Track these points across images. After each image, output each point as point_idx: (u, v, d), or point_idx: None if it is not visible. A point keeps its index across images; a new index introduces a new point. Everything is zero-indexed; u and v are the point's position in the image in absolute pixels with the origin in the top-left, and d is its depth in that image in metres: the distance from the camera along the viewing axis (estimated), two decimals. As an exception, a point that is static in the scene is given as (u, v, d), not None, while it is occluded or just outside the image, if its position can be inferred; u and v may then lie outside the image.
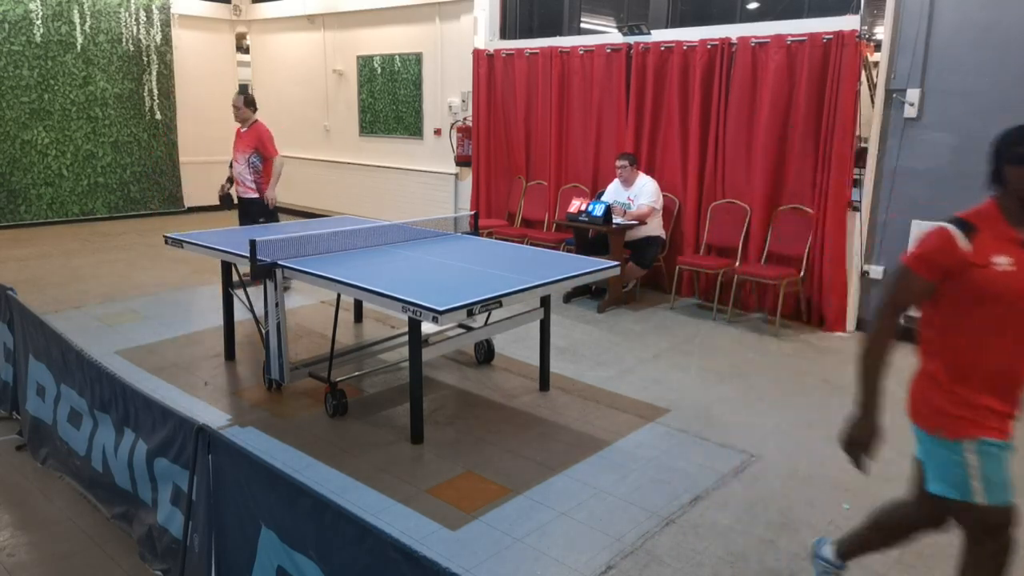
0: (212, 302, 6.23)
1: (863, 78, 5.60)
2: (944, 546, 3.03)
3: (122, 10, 9.82)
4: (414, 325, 3.68)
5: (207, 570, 2.37)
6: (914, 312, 2.23)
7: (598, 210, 6.19)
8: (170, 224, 9.64)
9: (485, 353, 5.01)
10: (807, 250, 5.92)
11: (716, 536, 3.06)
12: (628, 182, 6.43)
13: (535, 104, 7.65)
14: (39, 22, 9.21)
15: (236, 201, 6.86)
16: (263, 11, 10.89)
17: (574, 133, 7.39)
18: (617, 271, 4.37)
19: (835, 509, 3.28)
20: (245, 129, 6.79)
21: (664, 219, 6.56)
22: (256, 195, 6.75)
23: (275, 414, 4.21)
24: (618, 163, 6.44)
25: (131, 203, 10.39)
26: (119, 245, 8.67)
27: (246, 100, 6.82)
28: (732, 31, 6.18)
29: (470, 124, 8.43)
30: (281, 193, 11.26)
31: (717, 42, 6.19)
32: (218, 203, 7.04)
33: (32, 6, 9.12)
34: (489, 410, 4.29)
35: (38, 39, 9.24)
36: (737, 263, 6.19)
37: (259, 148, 6.73)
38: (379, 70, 9.57)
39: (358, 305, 5.95)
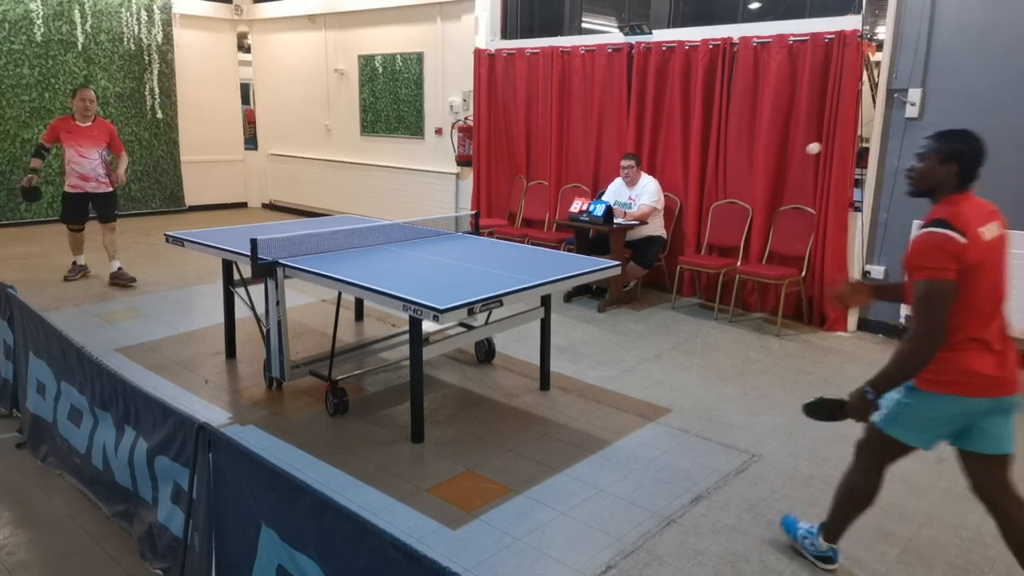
0: (213, 300, 6.23)
1: (864, 78, 5.60)
2: (944, 545, 3.03)
3: (123, 9, 9.83)
4: (415, 324, 3.68)
5: (207, 569, 2.36)
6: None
7: (599, 210, 6.19)
8: (171, 223, 9.65)
9: (486, 352, 5.01)
10: (808, 250, 5.92)
11: (717, 536, 3.06)
12: (632, 182, 6.43)
13: (536, 104, 7.65)
14: (39, 21, 9.21)
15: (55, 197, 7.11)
16: (264, 11, 10.89)
17: (575, 133, 7.39)
18: (618, 271, 4.37)
19: (836, 509, 3.28)
20: (89, 123, 6.61)
21: (665, 219, 6.56)
22: (111, 188, 6.79)
23: (276, 412, 4.20)
24: (624, 163, 6.44)
25: (132, 202, 10.38)
26: (120, 244, 8.63)
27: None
28: (734, 31, 6.18)
29: (471, 124, 8.42)
30: (283, 192, 11.36)
31: (719, 42, 6.19)
32: (26, 196, 6.78)
33: (32, 6, 9.12)
34: (489, 409, 4.29)
35: (39, 38, 9.24)
36: (738, 263, 6.19)
37: (111, 143, 6.73)
38: (380, 70, 9.58)
39: (359, 304, 5.95)
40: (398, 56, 9.33)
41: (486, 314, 4.04)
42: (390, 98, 9.56)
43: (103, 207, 6.81)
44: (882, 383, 2.39)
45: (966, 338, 2.32)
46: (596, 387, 4.62)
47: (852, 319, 5.81)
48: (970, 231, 2.26)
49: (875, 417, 2.50)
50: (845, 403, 2.52)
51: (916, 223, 5.33)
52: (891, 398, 2.47)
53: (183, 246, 4.94)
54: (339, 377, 4.22)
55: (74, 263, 7.03)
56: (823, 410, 2.60)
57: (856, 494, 2.69)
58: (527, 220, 7.89)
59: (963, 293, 2.27)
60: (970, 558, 2.95)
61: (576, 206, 6.41)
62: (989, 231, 2.33)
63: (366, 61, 9.73)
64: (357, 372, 4.68)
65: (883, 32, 5.46)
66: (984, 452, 2.44)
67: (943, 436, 2.48)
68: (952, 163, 2.33)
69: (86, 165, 6.59)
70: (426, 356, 3.90)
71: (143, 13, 9.98)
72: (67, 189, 6.68)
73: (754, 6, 6.61)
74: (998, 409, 2.38)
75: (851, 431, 4.02)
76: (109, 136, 6.72)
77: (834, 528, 2.78)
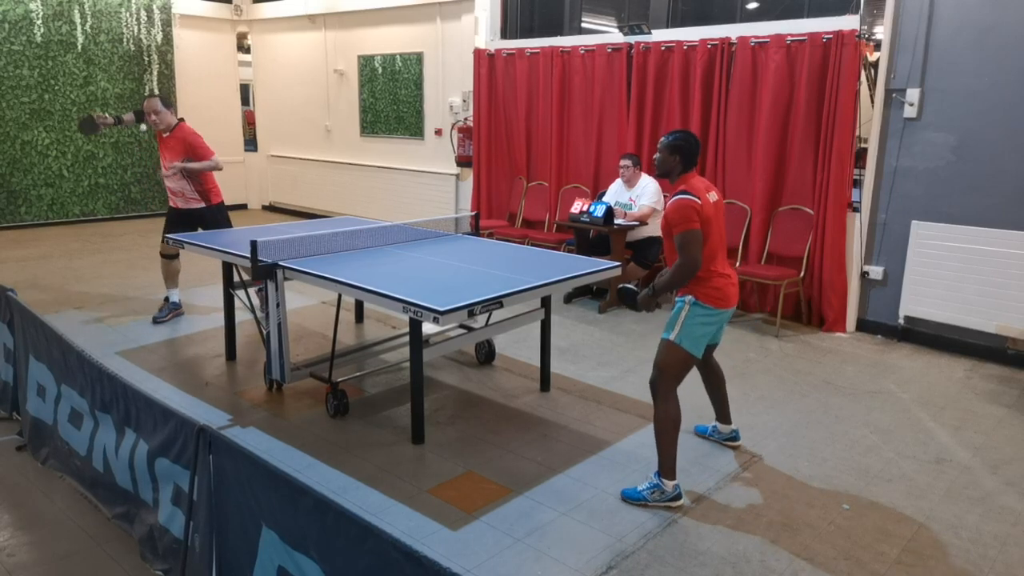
0: (213, 302, 6.23)
1: (863, 78, 5.60)
2: (944, 546, 3.03)
3: (123, 10, 9.83)
4: (415, 325, 3.68)
5: (208, 570, 2.37)
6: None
7: (599, 211, 6.19)
8: (171, 224, 9.65)
9: (486, 353, 5.01)
10: (807, 251, 5.92)
11: (718, 536, 3.06)
12: (631, 183, 6.43)
13: (536, 104, 7.65)
14: (39, 22, 9.21)
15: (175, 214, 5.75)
16: (264, 11, 10.90)
17: (575, 133, 7.39)
18: (618, 271, 4.37)
19: (835, 509, 3.28)
20: (168, 134, 5.61)
21: (665, 219, 6.56)
22: (204, 204, 5.69)
23: (276, 414, 4.21)
24: (622, 163, 6.44)
25: (132, 204, 10.39)
26: (120, 246, 8.67)
27: (164, 101, 5.62)
28: (732, 31, 6.18)
29: (471, 124, 8.43)
30: (283, 193, 11.36)
31: (717, 42, 6.19)
32: (83, 127, 5.84)
33: (32, 6, 9.12)
34: (490, 410, 4.29)
35: (38, 39, 9.25)
36: (737, 263, 6.19)
37: (190, 155, 5.54)
38: (380, 70, 9.58)
39: (359, 305, 5.96)
40: (398, 56, 9.33)
41: (486, 315, 4.05)
42: (390, 99, 9.56)
43: (210, 225, 5.70)
44: (661, 290, 3.36)
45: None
46: (597, 388, 4.63)
47: (851, 320, 5.81)
48: (701, 196, 3.22)
49: (672, 338, 3.33)
50: (638, 294, 3.47)
51: (915, 223, 5.39)
52: (677, 322, 3.32)
53: (183, 248, 4.95)
54: (339, 379, 4.22)
55: (166, 299, 5.91)
56: (627, 295, 3.53)
57: (677, 420, 3.31)
58: (527, 221, 7.89)
59: (705, 238, 3.23)
60: (970, 558, 2.95)
61: (576, 207, 6.41)
62: (711, 196, 3.30)
63: (366, 61, 9.73)
64: (358, 374, 4.68)
65: (881, 32, 5.46)
66: (713, 343, 3.61)
67: (709, 340, 3.45)
68: (676, 154, 3.30)
69: (167, 182, 5.64)
70: (426, 358, 3.90)
71: (143, 13, 9.98)
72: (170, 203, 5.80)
73: (752, 6, 6.62)
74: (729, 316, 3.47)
75: (851, 433, 4.04)
76: (184, 146, 5.54)
77: (669, 464, 3.29)
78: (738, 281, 3.49)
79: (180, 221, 5.64)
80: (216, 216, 5.74)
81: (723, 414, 3.88)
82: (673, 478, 3.29)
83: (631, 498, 3.31)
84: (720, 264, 3.35)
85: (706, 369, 3.81)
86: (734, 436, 3.89)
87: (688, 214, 3.18)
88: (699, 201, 3.19)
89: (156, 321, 5.80)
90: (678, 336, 3.31)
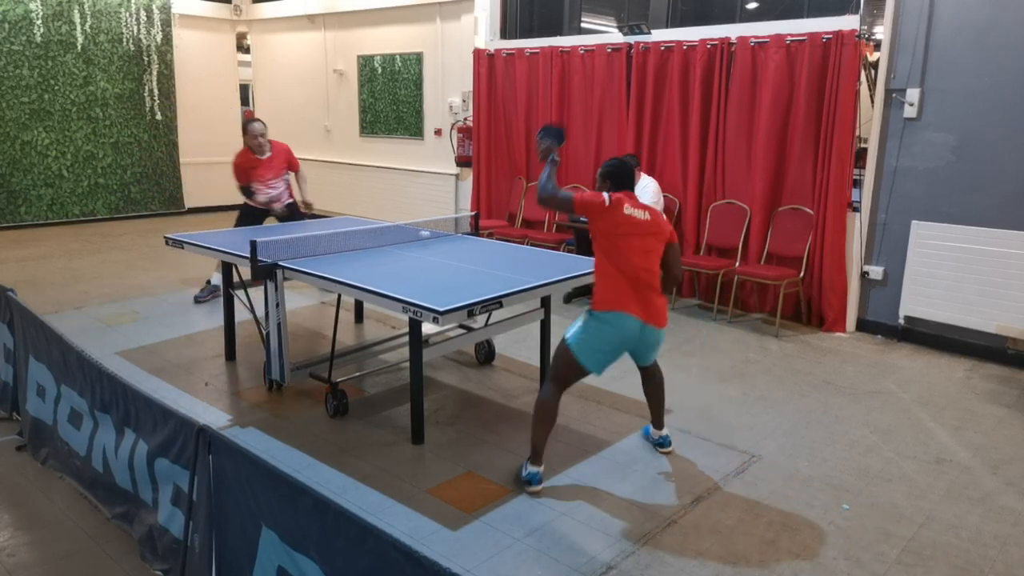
0: (212, 303, 6.24)
1: (863, 78, 5.60)
2: (944, 545, 3.03)
3: (122, 10, 9.83)
4: (415, 326, 3.68)
5: (208, 570, 2.37)
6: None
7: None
8: (171, 225, 9.64)
9: (486, 353, 5.01)
10: (807, 251, 5.92)
11: (717, 536, 3.06)
12: (630, 183, 6.42)
13: (536, 104, 7.66)
14: (39, 22, 9.21)
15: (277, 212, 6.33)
16: (264, 11, 10.90)
17: (575, 133, 7.39)
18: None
19: (835, 509, 3.28)
20: (269, 154, 6.21)
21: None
22: (292, 198, 6.42)
23: (276, 414, 4.21)
24: None
25: (131, 204, 10.39)
26: (119, 246, 8.67)
27: (264, 124, 6.18)
28: (732, 31, 6.18)
29: (471, 124, 8.43)
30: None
31: (717, 42, 6.19)
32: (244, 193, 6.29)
33: (32, 6, 9.12)
34: (490, 410, 4.29)
35: (38, 39, 9.24)
36: (737, 263, 6.19)
37: (291, 166, 6.38)
38: (380, 70, 9.58)
39: (359, 306, 5.95)
40: (397, 56, 9.33)
41: (486, 316, 4.05)
42: (389, 99, 9.56)
43: (287, 215, 6.34)
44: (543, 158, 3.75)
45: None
46: (596, 388, 4.62)
47: (851, 320, 5.81)
48: (621, 205, 3.47)
49: (566, 336, 3.49)
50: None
51: (915, 223, 5.39)
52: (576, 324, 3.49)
53: (183, 248, 4.94)
54: (339, 379, 4.22)
55: (208, 282, 6.43)
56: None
57: (548, 415, 3.45)
58: (527, 221, 7.89)
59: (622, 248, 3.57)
60: (970, 558, 2.95)
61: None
62: (637, 214, 3.49)
63: (365, 61, 9.73)
64: (357, 374, 4.68)
65: (881, 32, 5.46)
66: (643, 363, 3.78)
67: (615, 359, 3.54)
68: (607, 180, 3.63)
69: (273, 194, 6.26)
70: (426, 358, 3.90)
71: (142, 13, 9.98)
72: (251, 203, 6.33)
73: (752, 6, 6.62)
74: None
75: (851, 433, 4.04)
76: (287, 159, 6.33)
77: (536, 451, 3.42)
78: (652, 304, 3.51)
79: (260, 215, 6.30)
80: (296, 208, 6.39)
81: (656, 419, 3.84)
82: (538, 464, 3.41)
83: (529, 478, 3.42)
84: (623, 278, 3.50)
85: (643, 373, 3.78)
86: (662, 442, 3.82)
87: (594, 204, 3.47)
88: (608, 203, 3.44)
89: (197, 300, 6.30)
90: (572, 336, 3.45)
